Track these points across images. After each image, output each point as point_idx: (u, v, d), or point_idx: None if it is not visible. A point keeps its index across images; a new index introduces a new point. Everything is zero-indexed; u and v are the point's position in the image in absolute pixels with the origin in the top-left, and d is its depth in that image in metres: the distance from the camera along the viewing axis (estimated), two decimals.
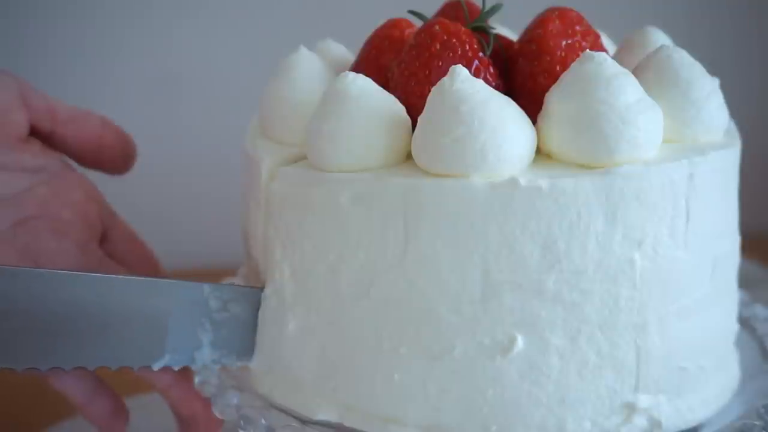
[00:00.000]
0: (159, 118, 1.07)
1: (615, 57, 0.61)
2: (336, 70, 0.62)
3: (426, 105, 0.54)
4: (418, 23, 0.61)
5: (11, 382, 0.71)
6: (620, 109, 0.53)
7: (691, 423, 0.57)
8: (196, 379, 0.61)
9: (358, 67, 0.62)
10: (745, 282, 0.63)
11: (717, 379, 0.59)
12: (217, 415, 0.59)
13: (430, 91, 0.54)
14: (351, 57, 0.66)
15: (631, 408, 0.55)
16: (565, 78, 0.55)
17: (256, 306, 0.61)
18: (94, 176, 0.72)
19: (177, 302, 0.60)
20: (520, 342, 0.54)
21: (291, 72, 0.61)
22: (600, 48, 0.58)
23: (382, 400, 0.56)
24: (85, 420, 0.67)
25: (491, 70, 0.57)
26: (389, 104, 0.56)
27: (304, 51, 0.62)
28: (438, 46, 0.56)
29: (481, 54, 0.57)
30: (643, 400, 0.56)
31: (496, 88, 0.55)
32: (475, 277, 0.53)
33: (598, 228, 0.53)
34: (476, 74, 0.56)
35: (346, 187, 0.55)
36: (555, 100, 0.54)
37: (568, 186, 0.52)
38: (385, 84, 0.57)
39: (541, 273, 0.53)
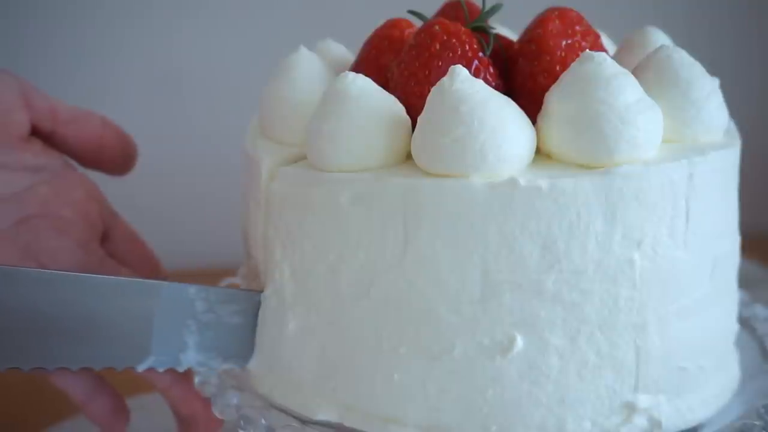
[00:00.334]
0: (159, 118, 1.07)
1: (615, 57, 0.61)
2: (336, 70, 0.62)
3: (426, 105, 0.54)
4: (418, 23, 0.61)
5: (11, 382, 0.71)
6: (620, 109, 0.53)
7: (691, 423, 0.57)
8: (196, 379, 0.61)
9: (358, 67, 0.62)
10: (745, 282, 0.63)
11: (717, 379, 0.59)
12: (217, 415, 0.59)
13: (429, 91, 0.54)
14: (351, 57, 0.66)
15: (631, 408, 0.55)
16: (565, 78, 0.55)
17: (245, 309, 0.61)
18: (95, 176, 0.73)
19: (162, 303, 0.59)
20: (519, 342, 0.54)
21: (291, 72, 0.61)
22: (600, 48, 0.58)
23: (382, 400, 0.56)
24: (85, 419, 0.67)
25: (491, 70, 0.57)
26: (389, 104, 0.56)
27: (304, 51, 0.62)
28: (438, 46, 0.56)
29: (480, 54, 0.57)
30: (643, 400, 0.56)
31: (496, 88, 0.55)
32: (474, 277, 0.53)
33: (597, 228, 0.53)
34: (476, 74, 0.56)
35: (346, 187, 0.55)
36: (555, 100, 0.54)
37: (568, 186, 0.52)
38: (384, 84, 0.57)
39: (541, 273, 0.53)
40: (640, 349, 0.55)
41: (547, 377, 0.54)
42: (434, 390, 0.55)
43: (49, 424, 0.77)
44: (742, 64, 1.12)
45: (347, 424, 0.57)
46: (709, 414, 0.58)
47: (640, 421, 0.56)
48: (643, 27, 0.64)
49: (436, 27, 0.57)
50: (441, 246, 0.53)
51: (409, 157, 0.56)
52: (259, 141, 0.62)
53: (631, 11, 1.04)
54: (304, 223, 0.57)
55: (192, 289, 0.60)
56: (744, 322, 0.66)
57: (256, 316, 0.61)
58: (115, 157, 0.72)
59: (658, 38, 0.63)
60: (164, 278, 0.72)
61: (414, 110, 0.55)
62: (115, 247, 0.71)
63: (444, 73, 0.54)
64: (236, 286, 0.70)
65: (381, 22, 0.63)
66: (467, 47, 0.57)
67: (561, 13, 0.58)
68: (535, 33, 0.58)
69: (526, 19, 0.60)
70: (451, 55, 0.56)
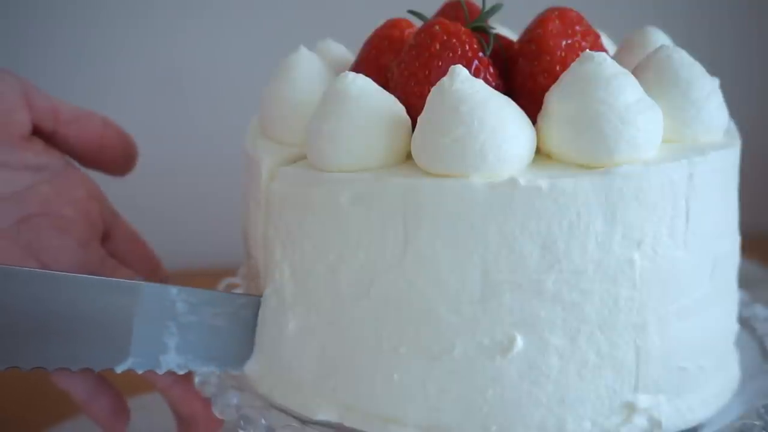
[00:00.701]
0: (159, 118, 1.07)
1: (615, 57, 0.61)
2: (336, 70, 0.62)
3: (426, 105, 0.54)
4: (418, 23, 0.61)
5: (11, 382, 0.71)
6: (620, 109, 0.53)
7: (691, 423, 0.57)
8: (196, 379, 0.61)
9: (358, 67, 0.62)
10: (745, 282, 0.63)
11: (717, 379, 0.59)
12: (217, 415, 0.59)
13: (429, 91, 0.54)
14: (351, 57, 0.66)
15: (631, 408, 0.55)
16: (565, 78, 0.55)
17: (229, 312, 0.60)
18: (96, 176, 0.73)
19: (142, 304, 0.59)
20: (519, 342, 0.54)
21: (291, 72, 0.61)
22: (600, 48, 0.58)
23: (382, 400, 0.56)
24: (85, 419, 0.67)
25: (491, 70, 0.57)
26: (389, 104, 0.56)
27: (304, 51, 0.62)
28: (438, 46, 0.56)
29: (480, 54, 0.57)
30: (643, 400, 0.56)
31: (496, 88, 0.55)
32: (474, 277, 0.53)
33: (597, 228, 0.53)
34: (476, 74, 0.56)
35: (346, 187, 0.55)
36: (555, 100, 0.54)
37: (568, 186, 0.52)
38: (385, 84, 0.57)
39: (541, 273, 0.53)
40: (640, 349, 0.55)
41: (547, 377, 0.54)
42: (434, 390, 0.55)
43: (49, 424, 0.77)
44: (742, 64, 1.12)
45: (347, 424, 0.57)
46: (709, 414, 0.58)
47: (640, 421, 0.56)
48: (643, 27, 0.64)
49: (436, 27, 0.57)
50: (441, 246, 0.53)
51: (409, 157, 0.56)
52: (259, 141, 0.62)
53: (631, 11, 1.04)
54: (304, 223, 0.57)
55: (173, 291, 0.60)
56: (744, 322, 0.66)
57: (240, 319, 0.61)
58: (116, 157, 0.72)
59: (658, 38, 0.63)
60: (165, 278, 0.72)
61: (414, 110, 0.55)
62: (116, 247, 0.71)
63: (444, 73, 0.54)
64: (236, 286, 0.70)
65: (381, 22, 0.63)
66: (467, 47, 0.57)
67: (561, 13, 0.58)
68: (535, 33, 0.58)
69: (526, 19, 0.60)
70: (451, 55, 0.56)
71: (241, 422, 0.57)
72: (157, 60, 1.06)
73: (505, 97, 0.54)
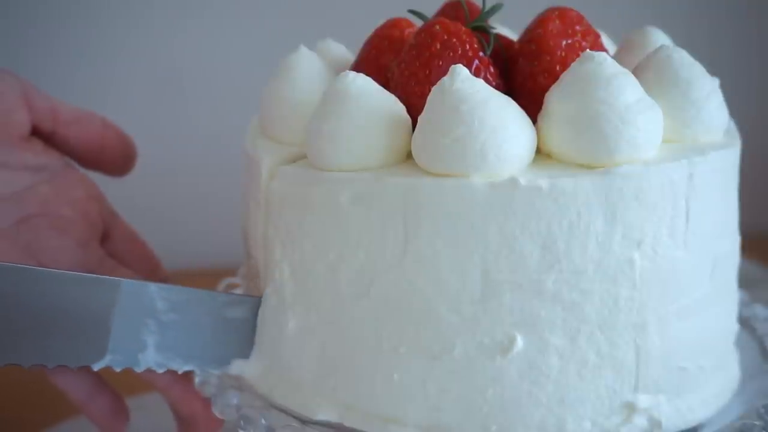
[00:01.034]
0: (159, 118, 1.07)
1: (615, 57, 0.61)
2: (336, 69, 0.62)
3: (426, 105, 0.54)
4: (418, 23, 0.61)
5: (11, 382, 0.71)
6: (620, 109, 0.53)
7: (691, 423, 0.57)
8: (196, 379, 0.61)
9: (358, 67, 0.62)
10: (745, 282, 0.63)
11: (717, 379, 0.59)
12: (217, 415, 0.59)
13: (430, 90, 0.54)
14: (351, 57, 0.66)
15: (631, 408, 0.55)
16: (565, 78, 0.55)
17: (211, 311, 0.60)
18: (95, 176, 0.73)
19: (121, 301, 0.58)
20: (519, 342, 0.54)
21: (291, 72, 0.61)
22: (600, 48, 0.58)
23: (382, 399, 0.56)
24: (85, 419, 0.67)
25: (491, 69, 0.57)
26: (389, 104, 0.56)
27: (304, 51, 0.62)
28: (438, 46, 0.56)
29: (481, 54, 0.57)
30: (643, 400, 0.55)
31: (497, 87, 0.55)
32: (475, 277, 0.53)
33: (597, 228, 0.53)
34: (476, 74, 0.56)
35: (346, 187, 0.55)
36: (555, 100, 0.54)
37: (568, 186, 0.52)
38: (385, 84, 0.57)
39: (541, 273, 0.53)
40: (640, 349, 0.55)
41: (547, 377, 0.54)
42: (434, 390, 0.55)
43: (49, 424, 0.77)
44: (741, 64, 1.12)
45: (347, 424, 0.57)
46: (709, 414, 0.58)
47: (640, 421, 0.56)
48: (643, 27, 0.64)
49: (437, 27, 0.57)
50: (441, 246, 0.53)
51: (409, 156, 0.56)
52: (259, 140, 0.62)
53: (631, 11, 1.04)
54: (304, 222, 0.57)
55: (153, 288, 0.59)
56: (744, 322, 0.66)
57: (223, 317, 0.60)
58: (116, 158, 0.72)
59: (658, 38, 0.63)
60: (164, 278, 0.72)
61: (414, 110, 0.55)
62: (115, 247, 0.71)
63: (444, 73, 0.54)
64: (236, 286, 0.70)
65: (381, 21, 0.63)
66: (468, 47, 0.57)
67: (561, 13, 0.58)
68: (535, 33, 0.58)
69: (527, 19, 0.60)
70: (451, 54, 0.56)
71: (241, 422, 0.57)
72: (157, 60, 1.06)
73: (506, 96, 0.54)
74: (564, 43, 0.57)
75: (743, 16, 1.14)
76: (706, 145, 0.57)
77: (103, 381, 0.65)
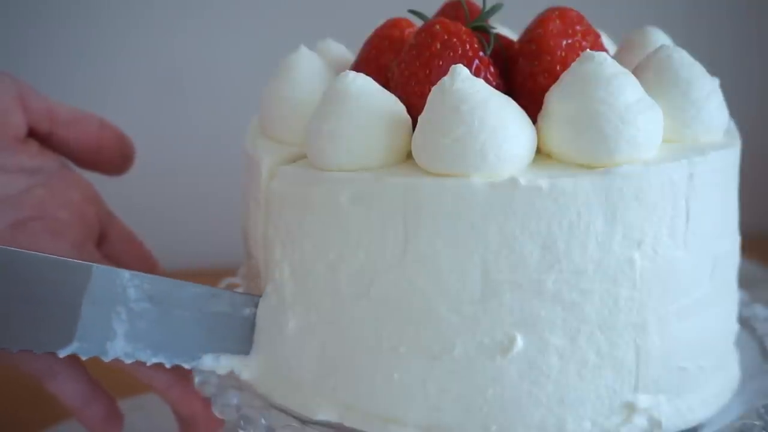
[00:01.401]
0: (159, 118, 1.07)
1: (615, 57, 0.61)
2: (336, 69, 0.62)
3: (426, 104, 0.54)
4: (418, 23, 0.61)
5: (11, 382, 0.71)
6: (620, 109, 0.53)
7: (691, 423, 0.57)
8: (196, 379, 0.61)
9: (358, 67, 0.62)
10: (745, 282, 0.63)
11: (717, 379, 0.59)
12: (217, 415, 0.59)
13: (430, 90, 0.54)
14: (351, 57, 0.66)
15: (631, 408, 0.55)
16: (565, 78, 0.55)
17: (186, 300, 0.59)
18: (94, 176, 0.72)
19: (91, 287, 0.57)
20: (519, 342, 0.54)
21: (291, 72, 0.61)
22: (600, 48, 0.58)
23: (382, 399, 0.56)
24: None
25: (491, 69, 0.57)
26: (389, 104, 0.56)
27: (304, 50, 0.62)
28: (438, 46, 0.56)
29: (481, 53, 0.57)
30: (643, 400, 0.56)
31: (497, 87, 0.55)
32: (475, 277, 0.53)
33: (597, 228, 0.53)
34: (476, 74, 0.56)
35: (346, 187, 0.55)
36: (555, 100, 0.54)
37: (568, 186, 0.52)
38: (385, 84, 0.57)
39: (541, 273, 0.53)
40: (640, 349, 0.55)
41: (547, 377, 0.54)
42: (434, 390, 0.55)
43: (49, 424, 0.77)
44: (741, 64, 1.12)
45: (347, 423, 0.57)
46: (709, 414, 0.58)
47: (640, 421, 0.56)
48: (643, 27, 0.64)
49: (437, 26, 0.57)
50: (441, 245, 0.53)
51: (409, 156, 0.56)
52: (259, 140, 0.62)
53: (631, 11, 1.04)
54: (304, 222, 0.57)
55: (125, 275, 0.58)
56: (744, 322, 0.66)
57: (197, 309, 0.59)
58: (113, 158, 0.72)
59: (658, 38, 0.63)
60: None
61: (414, 110, 0.55)
62: (112, 248, 0.71)
63: (444, 73, 0.54)
64: (236, 286, 0.70)
65: (381, 21, 0.63)
66: (468, 47, 0.57)
67: (561, 12, 0.58)
68: (535, 33, 0.58)
69: (527, 19, 0.60)
70: (451, 54, 0.56)
71: (241, 422, 0.57)
72: (157, 60, 1.06)
73: (506, 96, 0.54)
74: (564, 43, 0.57)
75: (743, 16, 1.14)
76: (706, 145, 0.57)
77: (98, 387, 0.65)
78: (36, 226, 0.65)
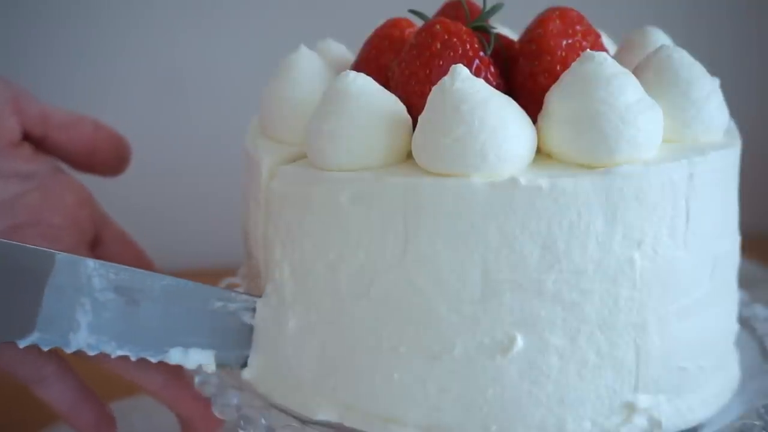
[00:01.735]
0: (159, 118, 1.07)
1: (615, 57, 0.61)
2: (336, 69, 0.62)
3: (426, 104, 0.54)
4: (418, 23, 0.61)
5: (11, 382, 0.71)
6: (620, 109, 0.53)
7: (691, 423, 0.57)
8: (197, 379, 0.61)
9: (358, 67, 0.62)
10: (745, 282, 0.63)
11: (717, 379, 0.59)
12: (217, 415, 0.59)
13: (430, 90, 0.54)
14: (351, 57, 0.66)
15: (631, 408, 0.55)
16: (566, 78, 0.55)
17: (153, 291, 0.57)
18: (94, 179, 0.72)
19: (54, 275, 0.55)
20: (519, 342, 0.54)
21: (291, 71, 0.61)
22: (600, 48, 0.58)
23: (382, 399, 0.56)
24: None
25: (492, 69, 0.57)
26: (390, 104, 0.56)
27: (304, 50, 0.62)
28: (438, 46, 0.56)
29: (481, 53, 0.57)
30: (643, 400, 0.56)
31: (497, 87, 0.55)
32: (475, 277, 0.53)
33: (598, 228, 0.53)
34: (477, 74, 0.56)
35: (346, 187, 0.55)
36: (555, 100, 0.54)
37: (568, 186, 0.52)
38: (385, 83, 0.57)
39: (541, 273, 0.53)
40: (640, 348, 0.55)
41: (547, 377, 0.54)
42: (434, 389, 0.55)
43: (49, 424, 0.77)
44: (741, 64, 1.12)
45: (347, 423, 0.57)
46: (709, 414, 0.58)
47: (640, 421, 0.56)
48: (643, 27, 0.64)
49: (437, 26, 0.57)
50: (441, 245, 0.53)
51: (409, 156, 0.56)
52: (259, 140, 0.62)
53: (631, 11, 1.04)
54: (304, 222, 0.57)
55: (90, 264, 0.56)
56: (744, 322, 0.66)
57: (164, 300, 0.58)
58: (108, 159, 0.71)
59: (658, 38, 0.63)
60: None
61: (415, 109, 0.56)
62: (107, 250, 0.70)
63: (445, 73, 0.54)
64: (236, 286, 0.70)
65: (381, 21, 0.63)
66: (468, 47, 0.57)
67: (561, 12, 0.58)
68: (535, 33, 0.58)
69: (527, 19, 0.60)
70: (452, 54, 0.56)
71: (241, 422, 0.57)
72: (157, 60, 1.06)
73: (506, 96, 0.54)
74: (564, 43, 0.57)
75: (743, 16, 1.14)
76: (706, 145, 0.57)
77: (88, 391, 0.64)
78: (30, 232, 0.65)
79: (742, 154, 0.59)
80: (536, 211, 0.53)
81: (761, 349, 0.65)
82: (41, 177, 0.67)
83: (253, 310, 0.60)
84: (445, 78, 0.53)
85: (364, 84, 0.55)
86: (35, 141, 0.68)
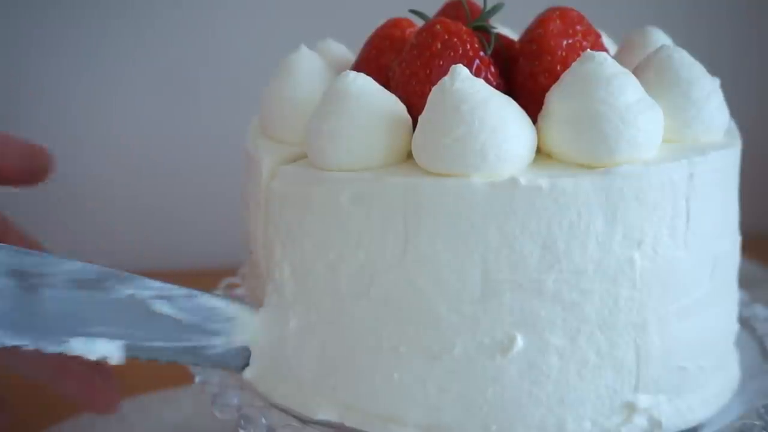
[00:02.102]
0: (159, 119, 1.07)
1: (615, 57, 0.61)
2: (336, 69, 0.62)
3: (426, 104, 0.54)
4: (418, 23, 0.61)
5: (11, 382, 0.71)
6: (620, 109, 0.53)
7: (691, 423, 0.57)
8: (197, 379, 0.61)
9: (358, 67, 0.62)
10: (745, 282, 0.63)
11: (717, 379, 0.59)
12: (217, 414, 0.59)
13: (430, 90, 0.54)
14: (351, 56, 0.66)
15: (631, 408, 0.55)
16: (566, 78, 0.55)
17: (55, 277, 0.54)
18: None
19: None
20: (519, 341, 0.54)
21: (292, 71, 0.61)
22: (601, 48, 0.58)
23: (382, 399, 0.56)
24: (85, 419, 0.67)
25: (492, 69, 0.57)
26: (390, 104, 0.56)
27: (304, 50, 0.62)
28: (439, 46, 0.56)
29: (482, 53, 0.57)
30: (643, 400, 0.56)
31: (497, 87, 0.55)
32: (475, 277, 0.53)
33: (598, 228, 0.53)
34: (477, 74, 0.56)
35: (346, 187, 0.55)
36: (555, 100, 0.55)
37: (568, 186, 0.52)
38: (385, 83, 0.57)
39: (541, 273, 0.53)
40: (640, 348, 0.55)
41: (547, 377, 0.54)
42: (434, 389, 0.55)
43: (49, 424, 0.77)
44: (741, 64, 1.12)
45: (347, 423, 0.57)
46: (709, 414, 0.58)
47: (640, 421, 0.56)
48: (643, 27, 0.64)
49: (438, 26, 0.57)
50: (441, 245, 0.53)
51: (409, 156, 0.56)
52: (259, 140, 0.62)
53: (632, 11, 1.04)
54: (304, 222, 0.57)
55: None
56: (744, 322, 0.66)
57: (70, 289, 0.55)
58: (20, 172, 0.68)
59: (659, 38, 0.63)
60: None
61: (415, 109, 0.56)
62: None
63: (445, 73, 0.54)
64: (236, 286, 0.70)
65: (382, 21, 0.63)
66: (468, 47, 0.57)
67: (562, 12, 0.58)
68: (536, 33, 0.58)
69: (527, 19, 0.60)
70: (452, 54, 0.56)
71: (242, 422, 0.57)
72: (158, 60, 1.06)
73: (506, 96, 0.54)
74: (565, 43, 0.57)
75: (743, 16, 1.14)
76: (706, 145, 0.57)
77: (68, 362, 0.61)
78: None
79: (742, 154, 0.59)
80: (536, 211, 0.53)
81: (761, 349, 0.65)
82: None
83: (167, 298, 0.57)
84: (445, 78, 0.53)
85: (365, 84, 0.55)
86: None
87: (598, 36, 0.59)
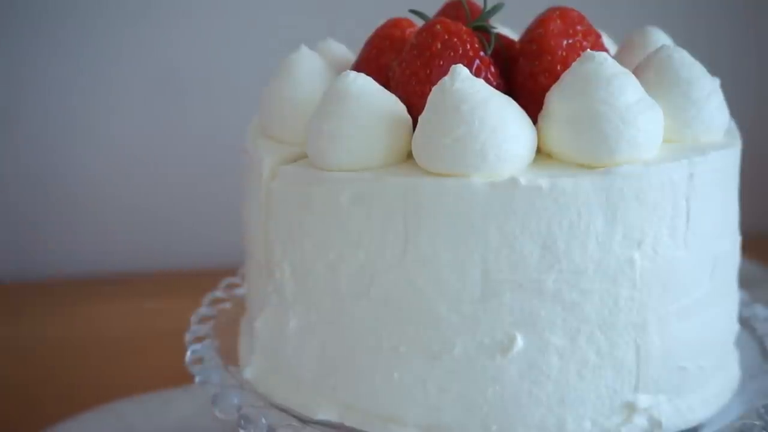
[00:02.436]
0: (159, 119, 1.07)
1: (616, 57, 0.61)
2: (337, 69, 0.62)
3: (427, 104, 0.54)
4: (419, 23, 0.61)
5: (11, 382, 0.71)
6: (620, 109, 0.53)
7: (691, 423, 0.57)
8: (197, 379, 0.61)
9: (358, 67, 0.62)
10: (745, 282, 0.64)
11: (717, 379, 0.59)
12: (218, 414, 0.59)
13: (430, 90, 0.54)
14: (352, 56, 0.66)
15: (631, 408, 0.55)
16: (566, 78, 0.55)
17: None
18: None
19: None
20: (519, 341, 0.54)
21: (292, 71, 0.61)
22: (601, 48, 0.58)
23: (382, 399, 0.56)
24: (86, 419, 0.66)
25: (492, 69, 0.57)
26: (390, 104, 0.56)
27: (305, 50, 0.62)
28: (439, 46, 0.56)
29: (482, 53, 0.57)
30: (643, 400, 0.56)
31: (497, 87, 0.56)
32: (475, 277, 0.53)
33: (598, 228, 0.53)
34: (477, 74, 0.56)
35: (346, 187, 0.55)
36: (555, 100, 0.55)
37: (568, 186, 0.52)
38: (385, 83, 0.57)
39: (541, 273, 0.53)
40: (640, 348, 0.55)
41: (547, 377, 0.54)
42: (434, 389, 0.55)
43: (49, 424, 0.77)
44: (741, 64, 1.12)
45: (347, 423, 0.57)
46: (709, 414, 0.58)
47: (640, 420, 0.56)
48: (643, 27, 0.64)
49: (438, 26, 0.57)
50: (441, 245, 0.53)
51: (409, 156, 0.56)
52: (259, 140, 0.62)
53: (632, 11, 1.04)
54: (304, 222, 0.57)
55: None
56: (744, 322, 0.66)
57: None
58: None
59: (659, 38, 0.63)
60: None
61: (415, 109, 0.56)
62: None
63: (445, 73, 0.54)
64: (236, 286, 0.70)
65: (382, 21, 0.63)
66: (468, 47, 0.57)
67: (562, 12, 0.58)
68: (536, 33, 0.58)
69: (527, 19, 0.60)
70: (452, 54, 0.56)
71: (242, 422, 0.57)
72: (157, 60, 1.06)
73: (506, 96, 0.54)
74: (565, 43, 0.57)
75: (742, 16, 1.14)
76: (706, 145, 0.57)
77: None
78: None
79: (742, 154, 0.59)
80: (536, 211, 0.53)
81: (761, 349, 0.65)
82: None
83: None
84: (445, 78, 0.53)
85: (365, 84, 0.55)
86: None
87: (599, 36, 0.59)
